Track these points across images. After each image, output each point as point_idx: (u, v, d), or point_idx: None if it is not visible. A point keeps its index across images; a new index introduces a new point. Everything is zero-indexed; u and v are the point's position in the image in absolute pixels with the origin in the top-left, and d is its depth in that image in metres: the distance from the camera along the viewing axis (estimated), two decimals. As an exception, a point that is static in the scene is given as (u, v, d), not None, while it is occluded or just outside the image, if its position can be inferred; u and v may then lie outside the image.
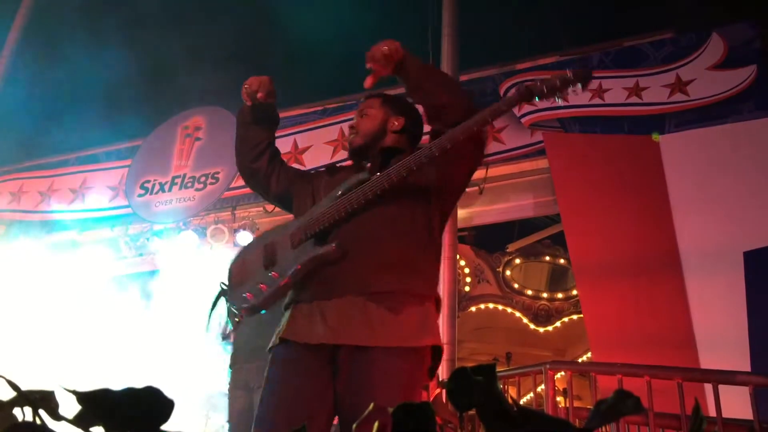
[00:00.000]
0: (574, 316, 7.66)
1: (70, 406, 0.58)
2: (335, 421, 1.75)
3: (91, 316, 6.43)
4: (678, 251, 4.76)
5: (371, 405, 0.73)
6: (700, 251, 4.71)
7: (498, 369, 0.58)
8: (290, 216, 2.00)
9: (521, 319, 7.92)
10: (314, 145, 6.54)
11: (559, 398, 6.18)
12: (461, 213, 5.66)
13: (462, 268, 7.57)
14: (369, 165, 1.95)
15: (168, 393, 0.57)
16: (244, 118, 2.07)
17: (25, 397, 0.57)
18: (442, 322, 4.85)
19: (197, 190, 6.88)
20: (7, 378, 0.60)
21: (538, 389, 3.98)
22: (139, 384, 0.57)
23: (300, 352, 1.73)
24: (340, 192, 1.82)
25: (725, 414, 2.88)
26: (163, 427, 0.56)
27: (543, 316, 7.90)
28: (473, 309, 7.76)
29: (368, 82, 1.90)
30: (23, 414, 0.58)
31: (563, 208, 5.32)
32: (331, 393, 1.70)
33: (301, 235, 1.81)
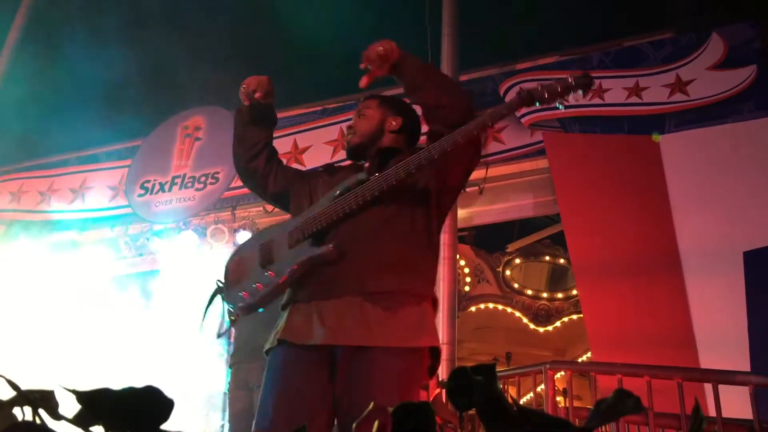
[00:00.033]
0: (574, 316, 7.66)
1: (69, 406, 0.58)
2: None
3: (91, 316, 6.42)
4: (678, 251, 4.76)
5: (371, 404, 0.73)
6: (700, 251, 4.71)
7: (498, 369, 0.58)
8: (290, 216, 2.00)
9: (521, 319, 7.92)
10: (314, 145, 6.55)
11: (559, 398, 6.18)
12: (461, 213, 5.66)
13: (462, 268, 7.57)
14: (367, 165, 1.95)
15: (168, 393, 0.57)
16: (241, 117, 2.07)
17: (24, 397, 0.57)
18: (442, 321, 4.84)
19: (197, 190, 6.87)
20: (7, 377, 0.60)
21: (538, 389, 3.99)
22: (138, 384, 0.57)
23: (298, 354, 1.73)
24: (338, 192, 1.82)
25: (725, 414, 2.88)
26: (162, 427, 0.56)
27: (543, 316, 7.90)
28: (473, 309, 7.76)
29: (363, 81, 1.91)
30: (23, 413, 0.58)
31: (563, 208, 5.32)
32: (330, 393, 1.70)
33: (299, 235, 1.81)
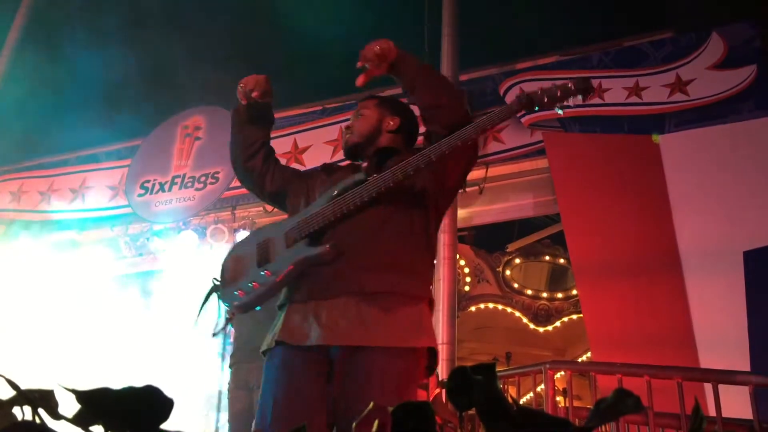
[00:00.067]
0: (574, 316, 7.66)
1: (69, 405, 0.58)
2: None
3: (91, 316, 6.43)
4: (678, 251, 4.76)
5: (371, 404, 0.73)
6: (700, 251, 4.71)
7: (498, 369, 0.58)
8: (289, 215, 2.00)
9: (521, 319, 7.92)
10: (314, 144, 6.55)
11: (559, 398, 6.19)
12: (461, 213, 5.66)
13: (462, 267, 7.57)
14: (365, 165, 1.95)
15: (167, 392, 0.57)
16: (239, 117, 2.07)
17: (24, 396, 0.57)
18: (442, 321, 4.85)
19: (197, 189, 6.88)
20: (7, 377, 0.60)
21: (538, 389, 3.98)
22: (138, 383, 0.57)
23: (296, 355, 1.73)
24: (336, 192, 1.82)
25: (725, 414, 2.88)
26: (162, 426, 0.56)
27: (543, 316, 7.90)
28: (473, 309, 7.76)
29: (360, 80, 1.91)
30: (23, 413, 0.58)
31: (563, 208, 5.32)
32: (328, 394, 1.70)
33: (296, 235, 1.81)
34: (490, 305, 7.83)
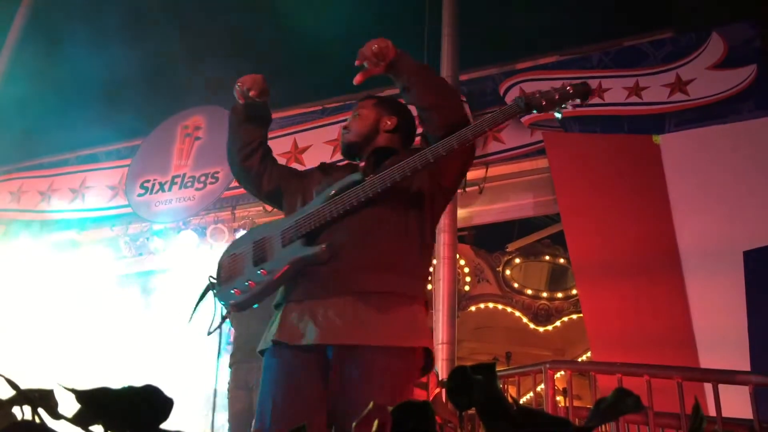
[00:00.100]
0: (574, 316, 7.66)
1: (69, 405, 0.58)
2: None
3: (91, 316, 6.43)
4: (678, 251, 4.76)
5: (370, 404, 0.73)
6: (700, 251, 4.71)
7: (498, 368, 0.58)
8: (287, 215, 2.00)
9: (521, 319, 7.91)
10: (314, 144, 6.55)
11: (559, 398, 6.19)
12: (461, 213, 5.66)
13: (462, 267, 7.57)
14: (362, 164, 1.95)
15: (167, 392, 0.57)
16: (236, 116, 2.07)
17: (24, 396, 0.57)
18: (442, 321, 4.84)
19: (197, 189, 6.88)
20: (7, 377, 0.60)
21: (538, 389, 3.99)
22: (138, 383, 0.57)
23: (293, 354, 1.74)
24: (333, 192, 1.82)
25: (725, 413, 2.88)
26: (162, 426, 0.56)
27: (543, 316, 7.90)
28: (473, 308, 7.76)
29: (357, 78, 1.91)
30: (22, 413, 0.58)
31: (563, 208, 5.32)
32: (327, 392, 1.70)
33: (292, 234, 1.81)
34: (490, 305, 7.83)
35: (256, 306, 1.87)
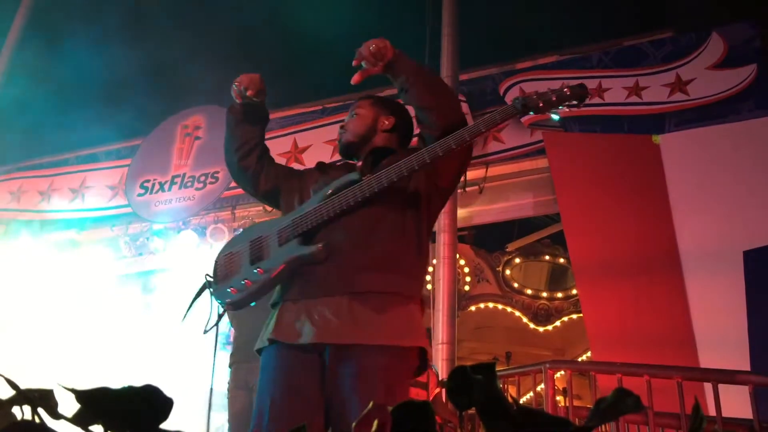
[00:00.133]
0: (574, 316, 7.65)
1: (69, 405, 0.58)
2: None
3: (91, 316, 6.43)
4: (678, 251, 4.76)
5: (370, 403, 0.73)
6: (700, 251, 4.71)
7: (498, 368, 0.58)
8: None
9: (521, 319, 7.91)
10: (314, 144, 6.55)
11: (559, 397, 6.18)
12: (461, 212, 5.66)
13: (462, 267, 7.56)
14: (359, 164, 1.95)
15: (167, 392, 0.57)
16: (234, 115, 2.07)
17: (24, 396, 0.57)
18: (442, 321, 4.84)
19: (197, 189, 6.88)
20: (6, 377, 0.60)
21: (538, 388, 3.99)
22: (138, 383, 0.57)
23: (290, 353, 1.74)
24: (330, 191, 1.82)
25: (725, 413, 2.88)
26: (162, 426, 0.56)
27: (543, 316, 7.89)
28: (473, 308, 7.75)
29: (355, 78, 1.91)
30: (22, 412, 0.58)
31: (563, 208, 5.32)
32: (324, 392, 1.71)
33: (289, 233, 1.82)
34: (490, 305, 7.83)
35: (253, 304, 1.87)
